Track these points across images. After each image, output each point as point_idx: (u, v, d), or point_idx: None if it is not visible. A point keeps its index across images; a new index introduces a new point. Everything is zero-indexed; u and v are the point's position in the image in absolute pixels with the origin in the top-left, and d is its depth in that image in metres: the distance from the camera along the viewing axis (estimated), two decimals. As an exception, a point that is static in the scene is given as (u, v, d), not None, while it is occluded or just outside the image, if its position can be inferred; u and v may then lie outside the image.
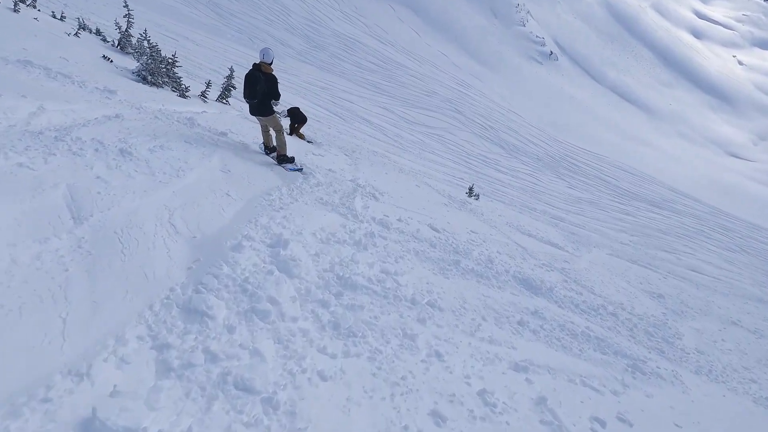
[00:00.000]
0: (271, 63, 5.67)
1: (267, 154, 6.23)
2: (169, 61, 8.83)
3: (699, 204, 39.47)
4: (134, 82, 8.08)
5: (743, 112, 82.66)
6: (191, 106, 7.92)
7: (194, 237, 3.30)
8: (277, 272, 3.22)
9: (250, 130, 7.60)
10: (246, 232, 3.66)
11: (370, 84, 38.70)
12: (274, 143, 6.15)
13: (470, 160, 27.59)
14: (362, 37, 51.35)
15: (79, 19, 13.11)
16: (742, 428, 3.77)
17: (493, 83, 56.24)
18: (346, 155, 8.98)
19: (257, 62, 5.62)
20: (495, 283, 4.69)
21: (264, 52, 5.60)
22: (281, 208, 4.54)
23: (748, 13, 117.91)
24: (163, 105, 7.00)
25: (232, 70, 11.04)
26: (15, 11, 9.45)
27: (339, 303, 3.21)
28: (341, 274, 3.62)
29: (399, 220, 5.50)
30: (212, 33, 33.82)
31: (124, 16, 10.32)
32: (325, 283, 3.41)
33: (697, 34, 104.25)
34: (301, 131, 10.40)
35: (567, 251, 7.45)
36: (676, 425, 3.29)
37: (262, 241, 3.64)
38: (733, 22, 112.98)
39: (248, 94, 5.59)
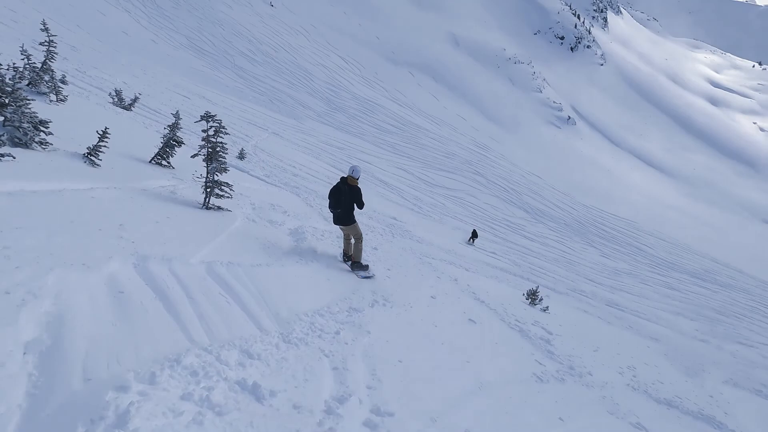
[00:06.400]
0: (358, 178, 6.27)
1: (344, 261, 6.34)
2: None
3: (742, 275, 36.15)
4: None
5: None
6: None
7: None
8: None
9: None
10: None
11: (388, 145, 38.19)
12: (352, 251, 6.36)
13: (495, 226, 25.67)
14: (381, 100, 52.21)
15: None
16: None
17: (512, 145, 55.75)
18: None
19: (344, 176, 6.21)
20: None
21: (353, 168, 6.24)
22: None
23: (763, 82, 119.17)
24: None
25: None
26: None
27: None
28: None
29: None
30: (232, 94, 34.20)
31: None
32: None
33: (714, 102, 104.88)
34: None
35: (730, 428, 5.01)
36: None
37: None
38: (749, 91, 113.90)
39: (333, 204, 6.14)
